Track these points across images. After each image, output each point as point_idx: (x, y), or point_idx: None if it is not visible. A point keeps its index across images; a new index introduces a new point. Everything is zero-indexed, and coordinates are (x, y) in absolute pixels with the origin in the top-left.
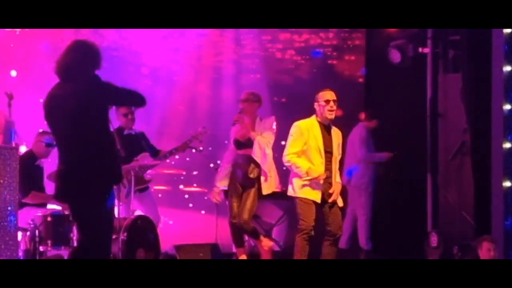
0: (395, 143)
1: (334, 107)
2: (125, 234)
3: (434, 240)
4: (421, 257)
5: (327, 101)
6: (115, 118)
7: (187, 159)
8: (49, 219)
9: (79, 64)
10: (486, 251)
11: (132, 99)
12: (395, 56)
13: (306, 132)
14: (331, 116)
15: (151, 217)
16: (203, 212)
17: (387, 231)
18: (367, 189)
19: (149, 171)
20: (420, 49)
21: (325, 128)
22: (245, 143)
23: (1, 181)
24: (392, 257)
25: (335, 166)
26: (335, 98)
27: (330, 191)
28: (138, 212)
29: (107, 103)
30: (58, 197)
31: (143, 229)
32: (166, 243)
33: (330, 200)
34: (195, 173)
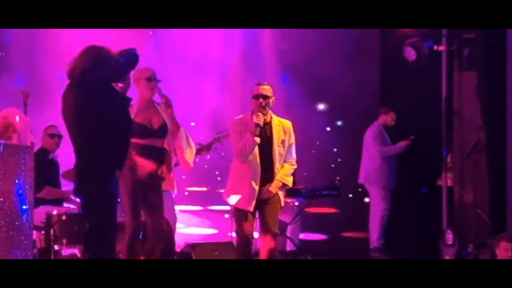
0: (410, 141)
1: (264, 104)
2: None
3: (449, 238)
4: (436, 255)
5: (256, 97)
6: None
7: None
8: (63, 217)
9: (87, 67)
10: (503, 251)
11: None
12: (410, 54)
13: (241, 128)
14: (262, 112)
15: (169, 218)
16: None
17: (402, 229)
18: (385, 187)
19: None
20: (435, 47)
21: (264, 124)
22: (155, 131)
23: (16, 180)
24: (407, 254)
25: (277, 164)
26: (266, 93)
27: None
28: None
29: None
30: (74, 192)
31: None
32: (181, 242)
33: (262, 195)
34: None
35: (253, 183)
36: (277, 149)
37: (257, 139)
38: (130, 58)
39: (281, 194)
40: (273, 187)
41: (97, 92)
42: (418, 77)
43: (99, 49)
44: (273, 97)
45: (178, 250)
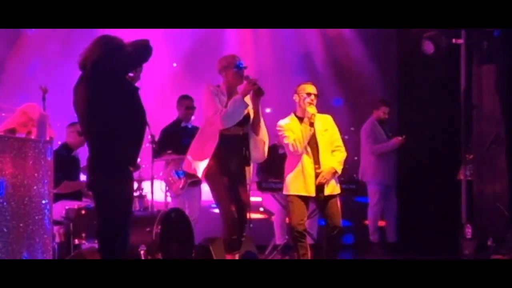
0: (429, 135)
1: (315, 101)
2: (159, 227)
3: (468, 231)
4: (455, 249)
5: (308, 94)
6: (176, 108)
7: None
8: (83, 212)
9: (98, 58)
10: None
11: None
12: (428, 47)
13: (291, 129)
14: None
15: (193, 211)
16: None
17: (421, 223)
18: (381, 183)
19: None
20: (453, 40)
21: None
22: (241, 121)
23: (36, 174)
24: (426, 249)
25: (324, 154)
26: (316, 92)
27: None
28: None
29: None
30: (86, 187)
31: (177, 222)
32: (200, 236)
33: (316, 182)
34: None
35: (310, 170)
36: (320, 137)
37: (312, 129)
38: (143, 49)
39: (333, 184)
40: (327, 174)
41: (108, 84)
42: (436, 70)
43: (110, 39)
44: (296, 94)
45: (196, 243)
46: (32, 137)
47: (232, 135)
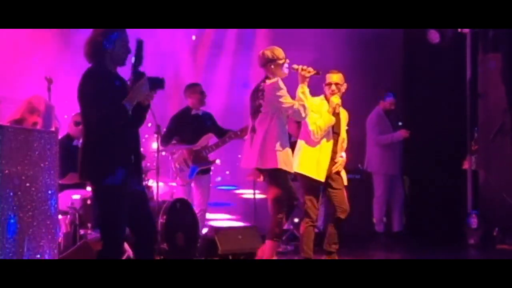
0: (435, 125)
1: (336, 91)
2: (164, 217)
3: (474, 221)
4: (461, 238)
5: (329, 84)
6: (185, 96)
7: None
8: (88, 202)
9: (92, 45)
10: None
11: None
12: (434, 37)
13: (319, 111)
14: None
15: (203, 201)
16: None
17: (427, 212)
18: (385, 173)
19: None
20: (459, 29)
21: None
22: None
23: (42, 165)
24: (431, 239)
25: (340, 147)
26: (338, 81)
27: (336, 161)
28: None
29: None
30: (80, 177)
31: (182, 212)
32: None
33: (333, 170)
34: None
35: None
36: (342, 130)
37: (334, 119)
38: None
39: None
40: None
41: (108, 74)
42: (442, 59)
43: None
44: (345, 84)
45: (202, 234)
46: (38, 127)
47: None
